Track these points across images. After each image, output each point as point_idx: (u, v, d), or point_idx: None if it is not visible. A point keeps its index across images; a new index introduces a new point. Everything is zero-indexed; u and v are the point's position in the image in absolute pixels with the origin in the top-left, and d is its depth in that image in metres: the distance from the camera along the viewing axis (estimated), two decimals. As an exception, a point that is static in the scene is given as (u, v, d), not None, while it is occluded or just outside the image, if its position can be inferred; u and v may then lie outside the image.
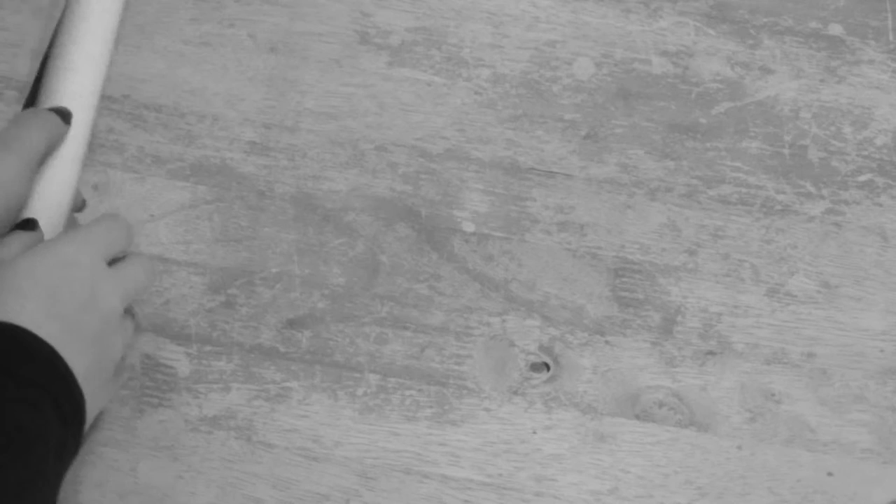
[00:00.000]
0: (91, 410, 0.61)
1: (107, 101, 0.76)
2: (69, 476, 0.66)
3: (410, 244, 0.74)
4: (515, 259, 0.74)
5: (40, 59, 0.77)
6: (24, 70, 0.77)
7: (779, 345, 0.72)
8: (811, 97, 0.79)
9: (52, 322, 0.59)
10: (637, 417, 0.70)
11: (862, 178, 0.77)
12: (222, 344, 0.71)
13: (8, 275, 0.59)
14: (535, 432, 0.70)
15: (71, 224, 0.67)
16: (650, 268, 0.74)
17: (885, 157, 0.78)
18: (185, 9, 0.79)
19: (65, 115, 0.67)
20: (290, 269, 0.73)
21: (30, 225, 0.65)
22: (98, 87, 0.69)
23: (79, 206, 0.69)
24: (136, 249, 0.72)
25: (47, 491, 0.58)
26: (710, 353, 0.72)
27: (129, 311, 0.66)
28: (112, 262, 0.64)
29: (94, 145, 0.74)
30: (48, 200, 0.66)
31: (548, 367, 0.71)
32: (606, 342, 0.72)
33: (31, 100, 0.70)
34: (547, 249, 0.74)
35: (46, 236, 0.64)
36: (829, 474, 0.69)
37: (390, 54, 0.79)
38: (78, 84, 0.68)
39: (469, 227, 0.75)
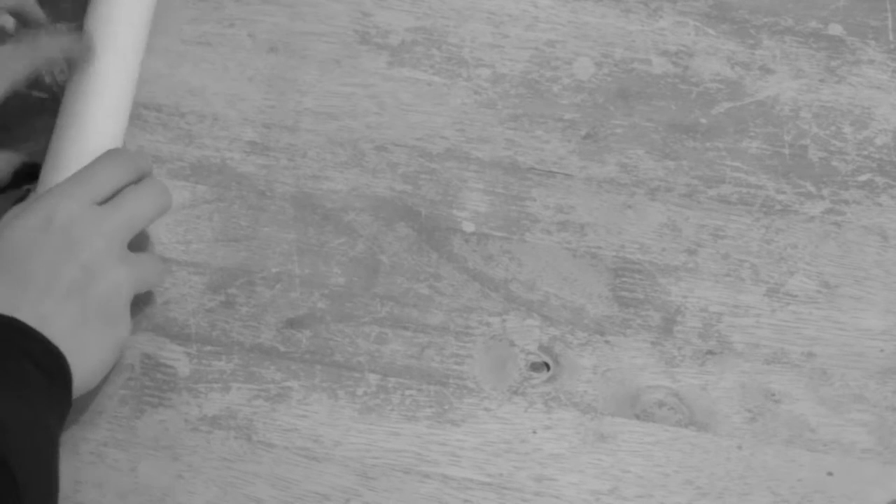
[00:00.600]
0: (91, 360, 0.63)
1: (107, 101, 0.76)
2: (69, 476, 0.66)
3: (410, 244, 0.74)
4: (515, 259, 0.74)
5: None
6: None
7: (779, 345, 0.72)
8: (811, 97, 0.79)
9: (19, 288, 0.62)
10: (637, 417, 0.70)
11: (862, 177, 0.77)
12: (222, 344, 0.71)
13: None
14: (535, 432, 0.70)
15: None
16: (650, 268, 0.74)
17: (885, 156, 0.78)
18: (185, 9, 0.79)
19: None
20: (290, 269, 0.73)
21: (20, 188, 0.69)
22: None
23: None
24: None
25: (42, 434, 0.60)
26: (710, 352, 0.72)
27: (148, 248, 0.70)
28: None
29: (94, 145, 0.74)
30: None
31: (548, 366, 0.71)
32: (606, 342, 0.72)
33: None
34: (547, 249, 0.74)
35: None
36: (829, 474, 0.69)
37: (390, 54, 0.79)
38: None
39: (469, 227, 0.75)
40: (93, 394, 0.69)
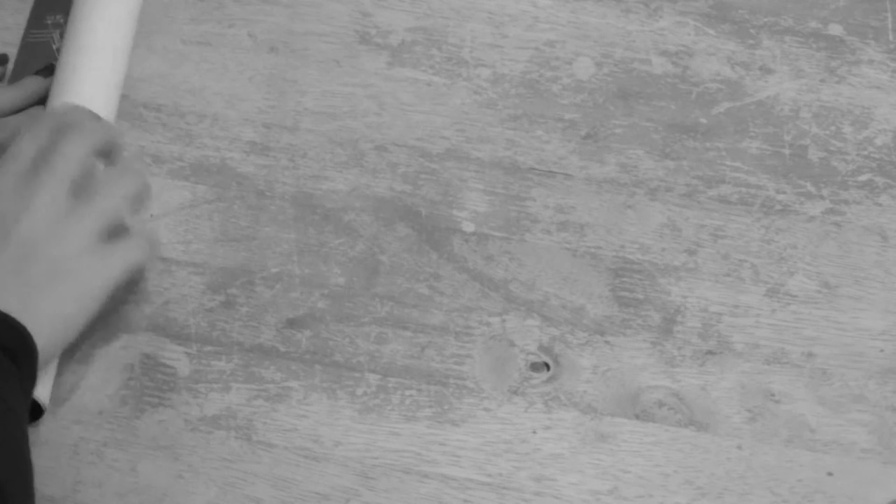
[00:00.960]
0: (58, 313, 0.62)
1: (107, 101, 0.76)
2: (69, 476, 0.66)
3: (410, 244, 0.74)
4: (515, 259, 0.74)
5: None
6: (24, 70, 0.77)
7: (779, 345, 0.72)
8: (811, 97, 0.79)
9: None
10: (637, 417, 0.70)
11: (862, 177, 0.77)
12: (222, 344, 0.71)
13: None
14: (535, 432, 0.70)
15: None
16: (650, 268, 0.74)
17: (885, 156, 0.78)
18: (185, 9, 0.79)
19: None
20: (290, 269, 0.73)
21: None
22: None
23: None
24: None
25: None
26: (710, 352, 0.72)
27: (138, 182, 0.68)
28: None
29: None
30: None
31: (548, 366, 0.71)
32: (606, 342, 0.72)
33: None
34: (547, 249, 0.74)
35: None
36: (829, 474, 0.69)
37: (390, 54, 0.79)
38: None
39: (469, 227, 0.75)
40: (93, 393, 0.69)
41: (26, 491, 0.59)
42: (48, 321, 0.62)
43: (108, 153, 0.68)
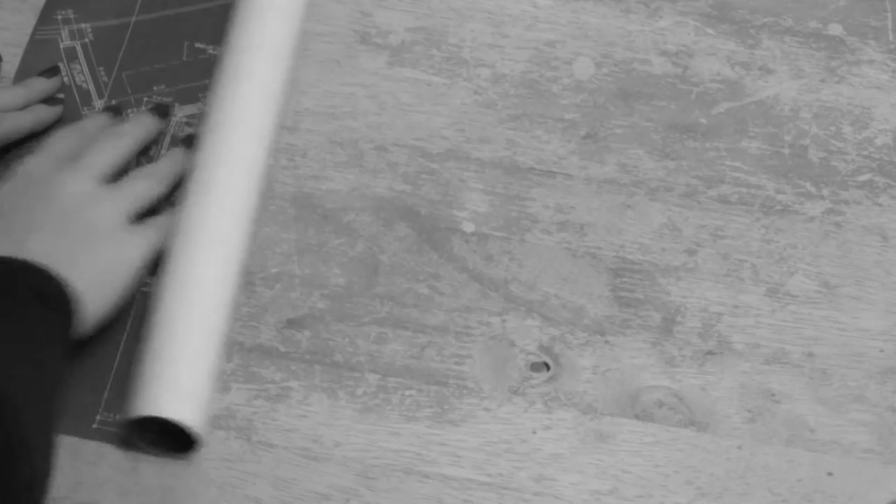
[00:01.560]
0: (96, 278, 0.65)
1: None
2: (69, 476, 0.66)
3: (410, 244, 0.74)
4: (515, 259, 0.74)
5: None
6: (25, 70, 0.77)
7: (779, 345, 0.72)
8: (811, 97, 0.79)
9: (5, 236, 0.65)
10: (637, 417, 0.70)
11: (862, 178, 0.77)
12: (222, 344, 0.71)
13: None
14: (534, 432, 0.70)
15: None
16: (650, 268, 0.74)
17: (885, 157, 0.78)
18: (185, 9, 0.79)
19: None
20: (290, 269, 0.73)
21: None
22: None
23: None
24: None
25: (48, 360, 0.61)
26: (710, 352, 0.72)
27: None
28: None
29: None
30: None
31: (548, 366, 0.71)
32: (606, 342, 0.72)
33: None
34: (547, 249, 0.74)
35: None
36: (829, 474, 0.69)
37: (390, 54, 0.79)
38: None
39: (469, 227, 0.75)
40: (93, 394, 0.68)
41: (47, 439, 0.60)
42: (89, 281, 0.65)
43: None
